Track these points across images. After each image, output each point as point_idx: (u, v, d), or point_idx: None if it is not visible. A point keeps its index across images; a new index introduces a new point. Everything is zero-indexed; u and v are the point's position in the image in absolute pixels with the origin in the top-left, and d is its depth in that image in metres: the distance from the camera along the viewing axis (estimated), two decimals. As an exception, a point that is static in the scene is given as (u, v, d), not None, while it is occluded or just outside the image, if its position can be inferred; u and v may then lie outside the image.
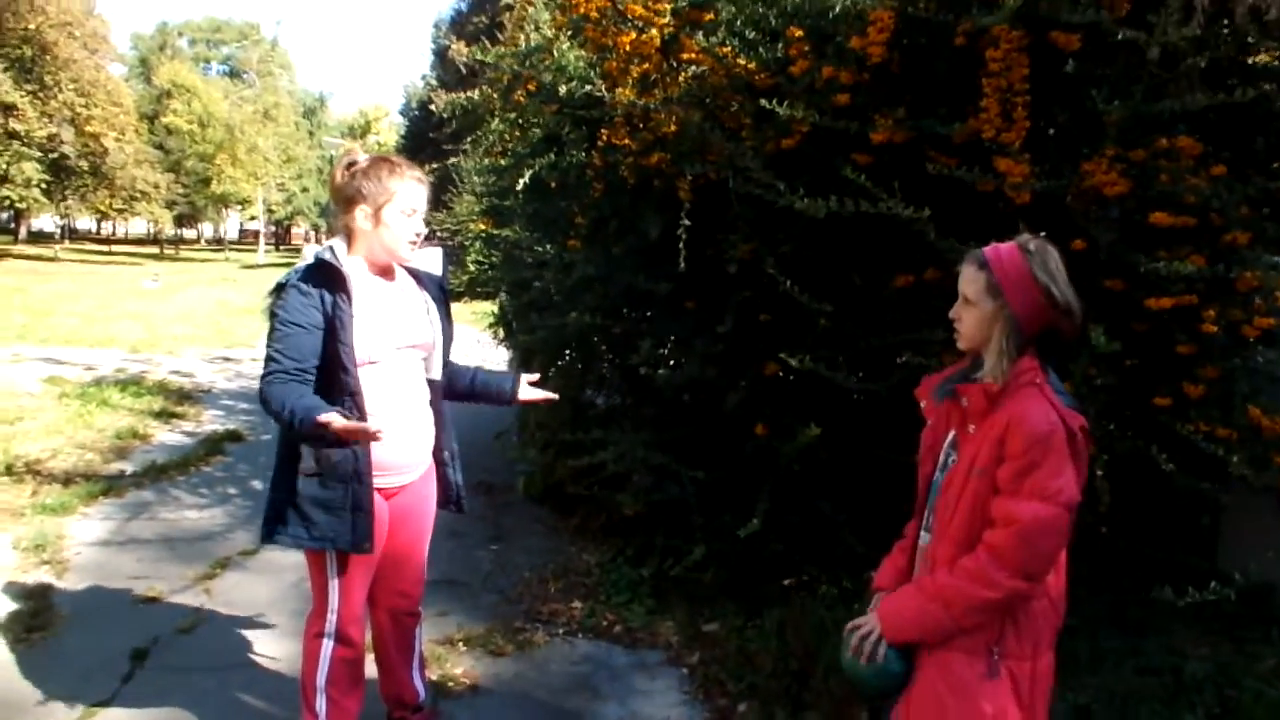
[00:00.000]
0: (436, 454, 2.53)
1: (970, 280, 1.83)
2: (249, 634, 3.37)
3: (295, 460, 2.26)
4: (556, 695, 3.07)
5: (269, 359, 2.19)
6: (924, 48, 3.08)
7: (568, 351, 4.60)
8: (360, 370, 2.22)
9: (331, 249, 2.27)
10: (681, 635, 3.54)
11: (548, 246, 3.82)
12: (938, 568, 1.85)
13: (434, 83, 37.33)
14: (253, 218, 50.20)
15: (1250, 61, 3.33)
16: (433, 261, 2.62)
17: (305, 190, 48.78)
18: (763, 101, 2.91)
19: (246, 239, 61.04)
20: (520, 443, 5.08)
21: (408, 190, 2.30)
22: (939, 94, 3.15)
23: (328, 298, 2.22)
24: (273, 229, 57.46)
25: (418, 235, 2.36)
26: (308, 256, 2.30)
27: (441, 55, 35.60)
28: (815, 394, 3.65)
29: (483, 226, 6.58)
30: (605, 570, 4.11)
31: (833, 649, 3.16)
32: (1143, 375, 3.05)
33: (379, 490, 2.31)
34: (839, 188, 3.06)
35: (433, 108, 5.49)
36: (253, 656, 3.20)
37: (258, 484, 5.32)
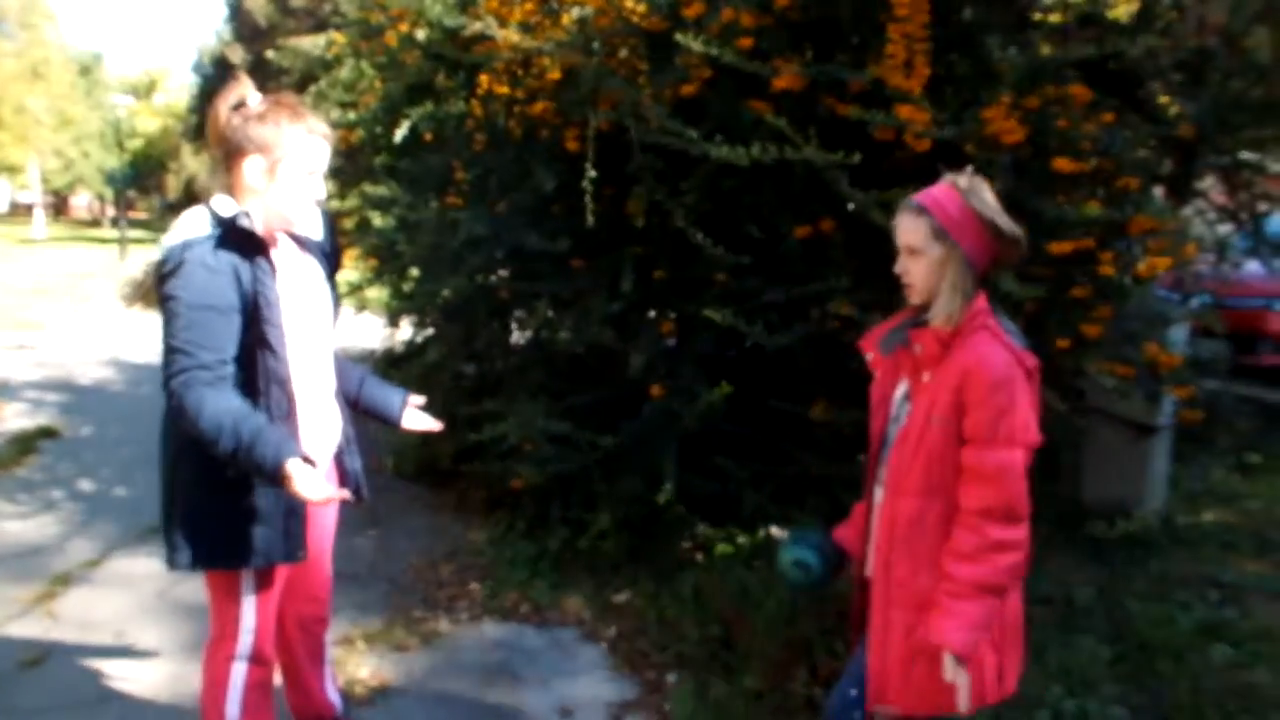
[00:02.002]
0: None
1: (911, 229, 1.79)
2: (112, 661, 2.93)
3: (206, 468, 1.87)
4: (476, 687, 2.86)
5: (176, 352, 1.79)
6: (827, -10, 2.99)
7: (441, 319, 4.31)
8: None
9: (247, 213, 1.87)
10: (593, 609, 3.39)
11: (429, 204, 3.51)
12: (898, 524, 1.83)
13: (228, 37, 34.61)
14: (24, 187, 45.19)
15: (1108, 15, 3.47)
16: (314, 225, 2.27)
17: (86, 156, 44.28)
18: (678, 36, 2.72)
19: (19, 212, 54.98)
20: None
21: (313, 145, 1.94)
22: (841, 40, 3.08)
23: (245, 270, 1.85)
24: (49, 199, 51.99)
25: (317, 201, 2.02)
26: (195, 223, 1.88)
27: (237, 8, 33.05)
28: (712, 351, 3.57)
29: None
30: (498, 548, 3.89)
31: (757, 611, 3.12)
32: (1039, 318, 3.14)
33: None
34: (740, 136, 2.96)
35: (270, 55, 4.96)
36: (122, 686, 2.78)
37: (87, 484, 4.72)
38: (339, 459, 2.26)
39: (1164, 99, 3.51)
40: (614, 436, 3.42)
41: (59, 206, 56.93)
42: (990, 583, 1.71)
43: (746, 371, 3.84)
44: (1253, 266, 4.59)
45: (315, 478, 1.76)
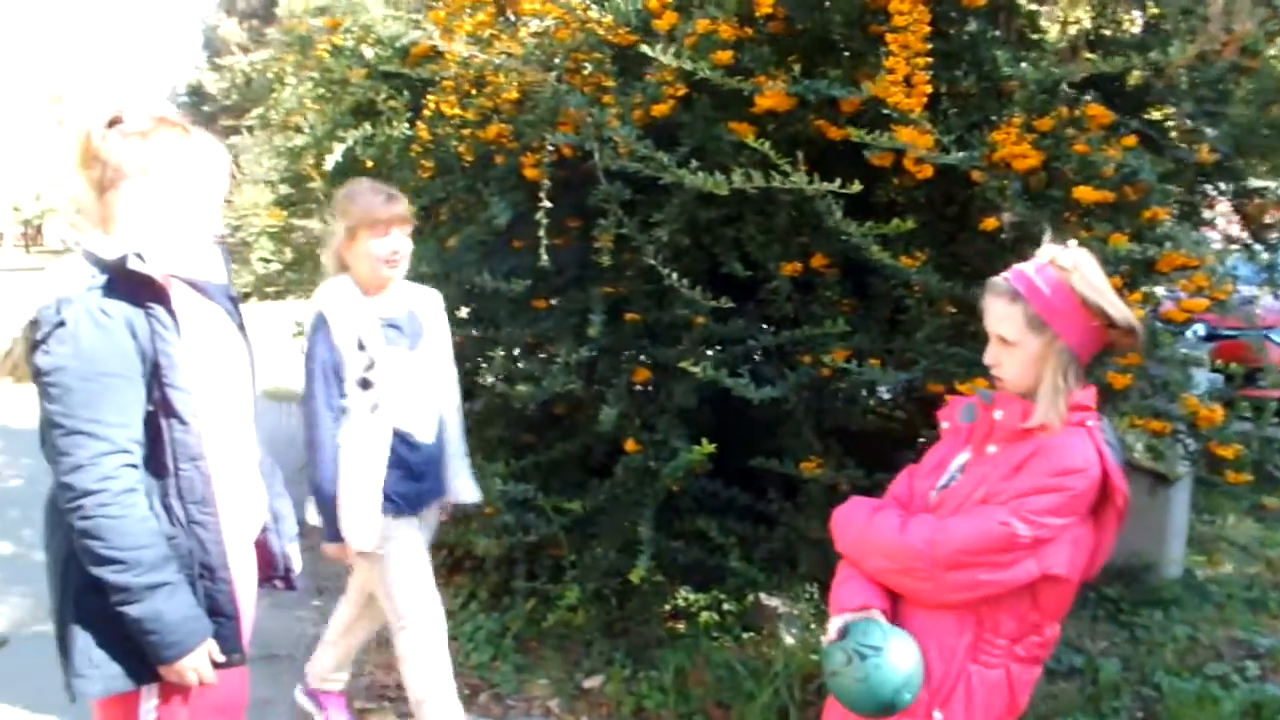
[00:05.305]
0: None
1: (1003, 318, 1.53)
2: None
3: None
4: (421, 803, 2.46)
5: (78, 435, 1.46)
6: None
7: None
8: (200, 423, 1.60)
9: (139, 253, 1.52)
10: (561, 696, 3.00)
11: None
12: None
13: (203, 65, 34.25)
14: (-6, 217, 44.50)
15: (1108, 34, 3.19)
16: (214, 266, 1.90)
17: (56, 185, 43.76)
18: (644, 48, 2.38)
19: (-11, 240, 54.12)
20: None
21: (207, 168, 1.64)
22: (831, 54, 2.76)
23: (140, 324, 1.51)
24: (20, 230, 51.21)
25: (215, 236, 1.73)
26: (72, 273, 1.52)
27: (211, 36, 32.77)
28: (693, 402, 3.19)
29: (270, 218, 5.75)
30: (457, 621, 3.47)
31: (747, 699, 2.74)
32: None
33: None
34: (719, 162, 2.62)
35: (219, 82, 4.58)
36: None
37: (5, 546, 4.28)
38: (263, 538, 1.89)
39: (1172, 120, 3.23)
40: (583, 500, 3.05)
41: (32, 236, 56.18)
42: (876, 541, 1.60)
43: (731, 422, 3.48)
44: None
45: (208, 670, 1.59)
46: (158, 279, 1.53)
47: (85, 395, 1.46)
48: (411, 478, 2.41)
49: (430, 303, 2.56)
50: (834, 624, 1.59)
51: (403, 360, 2.39)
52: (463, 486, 2.61)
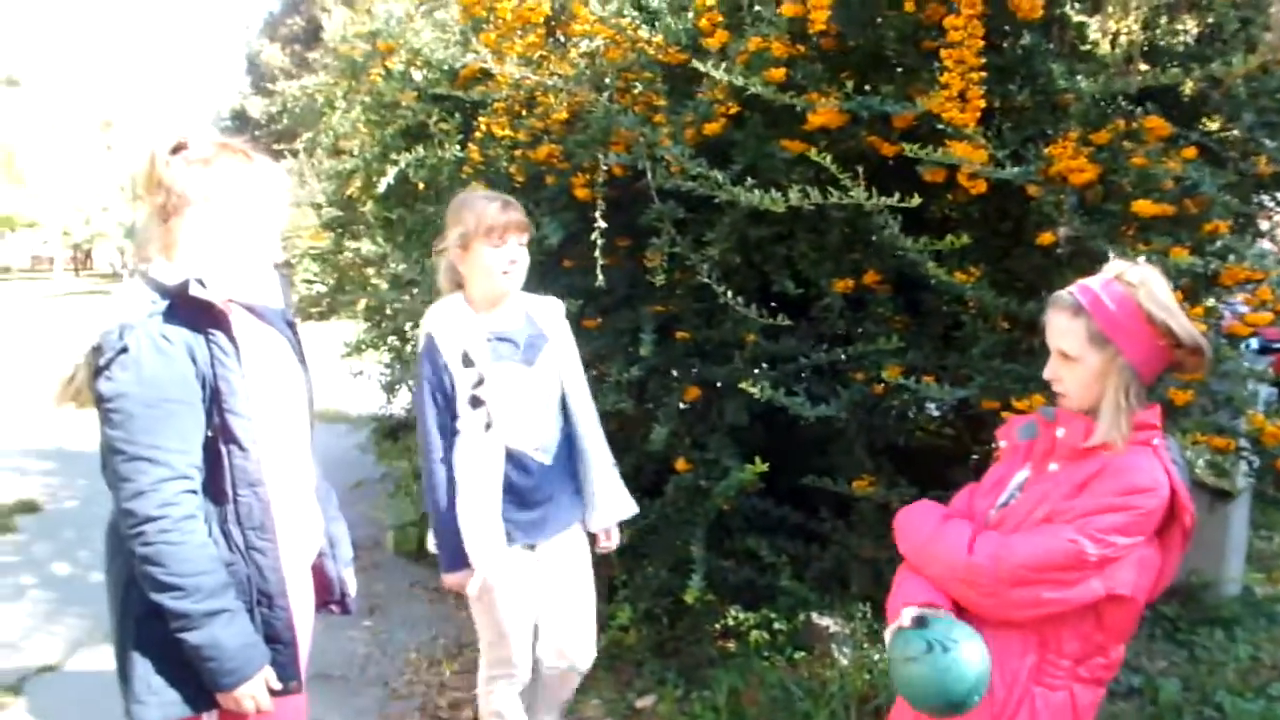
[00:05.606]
0: None
1: (1065, 332, 1.52)
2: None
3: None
4: (477, 825, 2.46)
5: (139, 460, 1.47)
6: (866, 13, 2.66)
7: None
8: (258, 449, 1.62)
9: (200, 279, 1.54)
10: (614, 717, 2.99)
11: (416, 260, 3.18)
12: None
13: (247, 91, 34.99)
14: (44, 242, 45.64)
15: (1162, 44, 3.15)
16: (272, 291, 1.93)
17: (106, 210, 44.75)
18: (698, 63, 2.40)
19: (41, 266, 55.50)
20: (393, 494, 4.38)
21: (268, 195, 1.67)
22: (884, 70, 2.75)
23: (200, 350, 1.54)
24: (69, 254, 52.42)
25: (274, 262, 1.75)
26: (134, 298, 1.55)
27: (254, 62, 33.44)
28: (744, 420, 3.18)
29: (314, 240, 5.84)
30: (507, 640, 3.49)
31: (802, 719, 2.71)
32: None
33: None
34: (772, 179, 2.62)
35: (269, 107, 4.66)
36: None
37: (61, 568, 4.36)
38: (319, 564, 1.91)
39: (1228, 131, 3.18)
40: (634, 520, 3.04)
41: (81, 260, 57.48)
42: (941, 543, 1.60)
43: (782, 440, 3.46)
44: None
45: (265, 698, 1.59)
46: (218, 305, 1.55)
47: (147, 421, 1.48)
48: (521, 505, 2.25)
49: (551, 312, 2.38)
50: (908, 613, 1.57)
51: (515, 376, 2.24)
52: (613, 501, 2.41)
